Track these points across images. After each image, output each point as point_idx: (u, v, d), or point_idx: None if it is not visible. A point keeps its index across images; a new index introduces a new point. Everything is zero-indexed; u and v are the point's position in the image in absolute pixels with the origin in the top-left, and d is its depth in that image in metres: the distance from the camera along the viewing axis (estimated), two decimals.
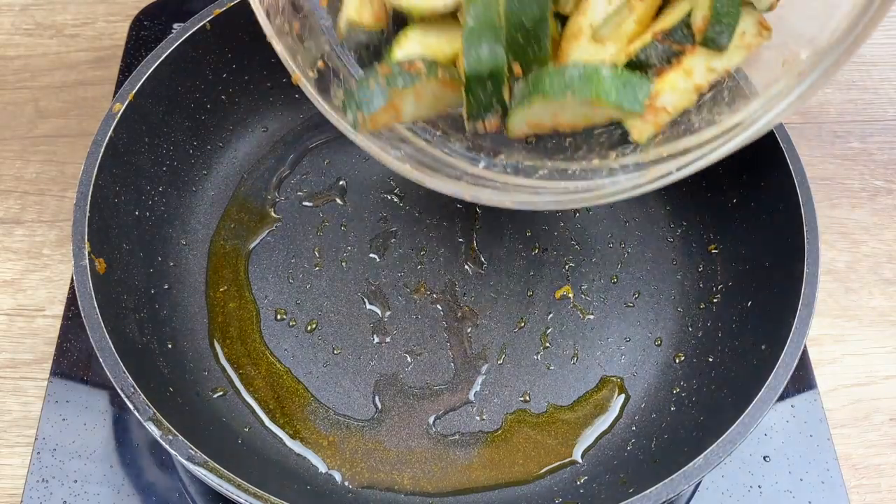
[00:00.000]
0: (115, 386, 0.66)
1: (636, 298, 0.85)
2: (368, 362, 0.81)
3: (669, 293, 0.86)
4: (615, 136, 0.67)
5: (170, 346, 0.79)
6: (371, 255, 0.88)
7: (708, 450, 0.65)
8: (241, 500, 0.62)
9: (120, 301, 0.76)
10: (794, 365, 0.68)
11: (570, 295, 0.86)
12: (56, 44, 1.13)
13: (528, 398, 0.79)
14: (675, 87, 0.60)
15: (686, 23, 0.60)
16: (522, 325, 0.84)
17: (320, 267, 0.87)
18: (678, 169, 0.59)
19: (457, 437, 0.77)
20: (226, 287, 0.85)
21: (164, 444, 0.64)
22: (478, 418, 0.79)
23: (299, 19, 0.69)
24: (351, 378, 0.80)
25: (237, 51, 0.91)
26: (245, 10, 0.88)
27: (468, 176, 0.69)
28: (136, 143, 0.83)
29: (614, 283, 0.85)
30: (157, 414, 0.65)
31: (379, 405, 0.79)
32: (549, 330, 0.83)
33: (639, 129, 0.61)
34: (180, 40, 0.85)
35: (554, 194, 0.66)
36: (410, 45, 0.64)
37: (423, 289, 0.86)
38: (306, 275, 0.87)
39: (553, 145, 0.69)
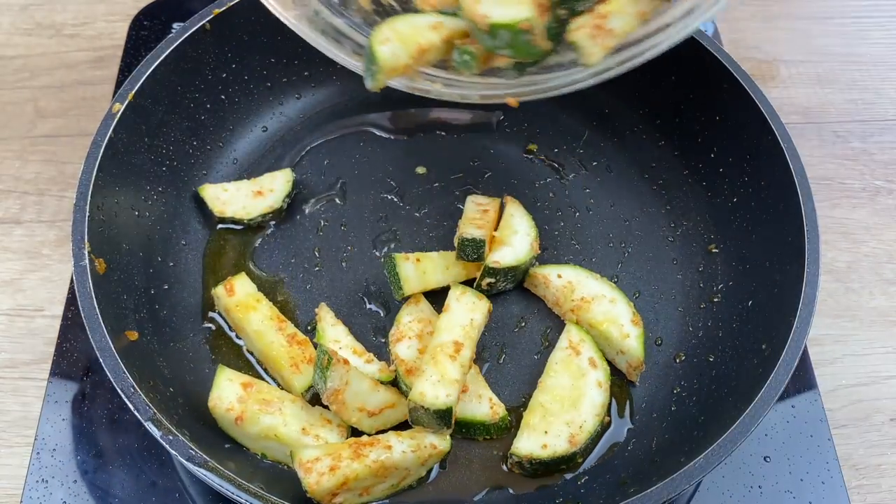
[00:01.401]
0: (115, 386, 0.66)
1: (636, 298, 0.85)
2: None
3: (670, 293, 0.86)
4: (566, 60, 0.72)
5: (170, 345, 0.79)
6: (371, 255, 0.88)
7: (708, 450, 0.65)
8: (241, 500, 0.62)
9: (120, 301, 0.76)
10: (795, 365, 0.68)
11: None
12: (55, 44, 1.12)
13: (528, 398, 0.79)
14: (623, 13, 0.64)
15: None
16: (523, 324, 0.84)
17: (320, 267, 0.87)
18: (618, 65, 0.67)
19: (457, 437, 0.77)
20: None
21: (164, 444, 0.64)
22: None
23: None
24: None
25: (237, 50, 0.91)
26: (244, 10, 0.88)
27: (441, 79, 0.76)
28: (135, 143, 0.83)
29: (615, 283, 0.85)
30: (157, 414, 0.65)
31: None
32: (549, 330, 0.83)
33: (588, 54, 0.65)
34: (180, 40, 0.85)
35: (512, 87, 0.74)
36: None
37: None
38: (306, 275, 0.86)
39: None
